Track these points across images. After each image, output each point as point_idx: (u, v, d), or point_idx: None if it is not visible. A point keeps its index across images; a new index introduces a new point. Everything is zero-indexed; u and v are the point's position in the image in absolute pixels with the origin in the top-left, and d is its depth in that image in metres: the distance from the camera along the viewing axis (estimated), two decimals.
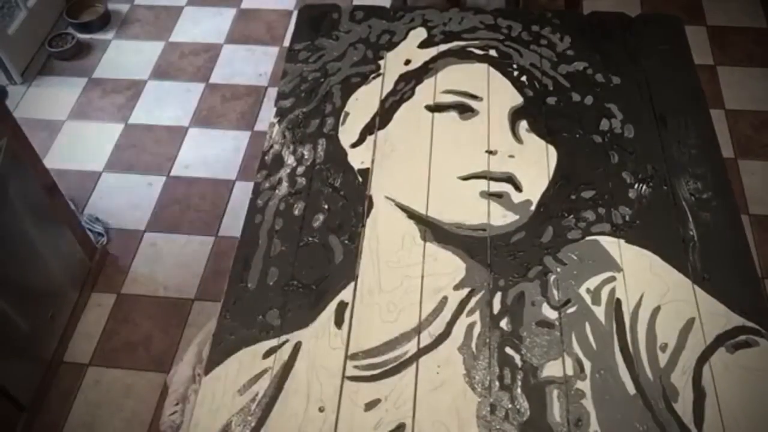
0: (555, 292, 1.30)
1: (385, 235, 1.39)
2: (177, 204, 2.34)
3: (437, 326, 1.26)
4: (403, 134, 1.56)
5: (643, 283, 1.30)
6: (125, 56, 2.84)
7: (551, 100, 1.60)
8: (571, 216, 1.41)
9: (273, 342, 1.25)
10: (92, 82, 2.74)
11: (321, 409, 1.17)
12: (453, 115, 1.58)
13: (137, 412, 1.88)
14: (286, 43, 2.78)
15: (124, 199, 2.36)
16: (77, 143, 2.53)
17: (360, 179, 1.48)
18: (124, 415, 1.88)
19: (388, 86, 1.64)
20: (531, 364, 1.22)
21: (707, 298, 1.28)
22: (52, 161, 2.41)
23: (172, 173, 2.43)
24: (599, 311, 1.27)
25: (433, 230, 1.39)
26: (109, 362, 1.98)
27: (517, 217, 1.41)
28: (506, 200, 1.43)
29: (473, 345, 1.24)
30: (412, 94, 1.63)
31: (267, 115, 2.53)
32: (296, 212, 1.44)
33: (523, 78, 1.64)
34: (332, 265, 1.35)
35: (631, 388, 1.18)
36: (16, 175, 1.73)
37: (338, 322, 1.27)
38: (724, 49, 2.78)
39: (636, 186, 1.46)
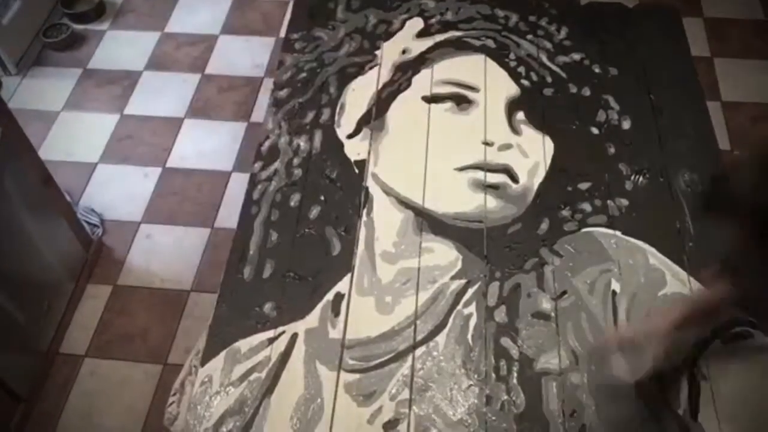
0: (551, 283, 1.30)
1: (382, 227, 1.39)
2: (173, 195, 2.33)
3: (433, 317, 1.26)
4: (400, 125, 1.55)
5: (638, 275, 1.31)
6: (120, 47, 2.82)
7: (548, 92, 1.60)
8: (568, 207, 1.41)
9: (269, 333, 1.25)
10: (87, 72, 2.72)
11: (317, 400, 1.17)
12: (450, 105, 1.58)
13: (134, 402, 1.88)
14: (283, 33, 2.77)
15: (119, 191, 2.35)
16: (72, 134, 2.51)
17: (356, 170, 1.48)
18: (120, 405, 1.88)
19: (385, 76, 1.64)
20: (527, 355, 1.22)
21: (702, 289, 1.28)
22: (47, 152, 2.40)
23: (168, 164, 2.42)
24: (595, 303, 1.27)
25: (429, 222, 1.39)
26: (105, 353, 1.97)
27: (514, 208, 1.41)
28: (503, 191, 1.43)
29: (469, 336, 1.24)
30: (409, 84, 1.62)
31: (263, 106, 2.51)
32: (292, 203, 1.43)
33: (520, 69, 1.64)
34: (329, 257, 1.35)
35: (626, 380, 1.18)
36: (11, 167, 1.72)
37: (335, 314, 1.27)
38: (721, 41, 2.77)
39: (632, 178, 1.46)
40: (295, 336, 1.25)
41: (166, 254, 2.18)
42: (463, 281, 1.31)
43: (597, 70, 1.64)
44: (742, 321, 1.24)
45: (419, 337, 1.24)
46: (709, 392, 1.16)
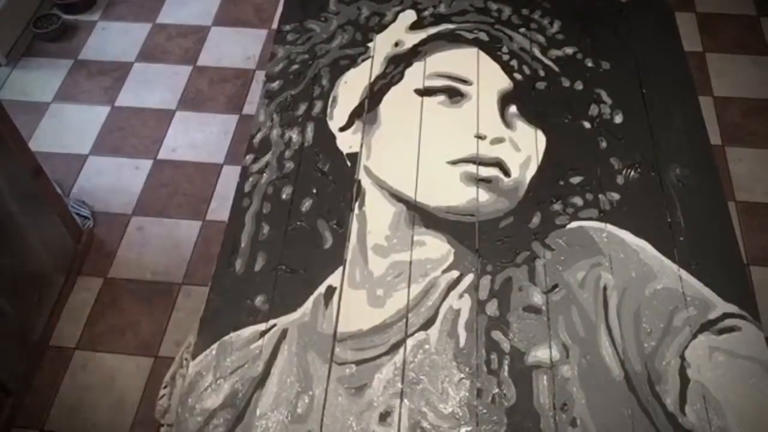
0: (542, 277, 1.30)
1: (374, 220, 1.39)
2: (164, 188, 2.33)
3: (425, 311, 1.26)
4: (392, 118, 1.55)
5: (629, 269, 1.31)
6: (111, 38, 2.80)
7: (541, 85, 1.60)
8: (559, 201, 1.41)
9: (261, 326, 1.25)
10: (78, 63, 2.71)
11: (309, 394, 1.17)
12: (442, 99, 1.58)
13: (125, 395, 1.88)
14: (275, 25, 2.76)
15: (110, 183, 2.34)
16: (63, 126, 2.50)
17: (349, 163, 1.48)
18: (111, 398, 1.88)
19: (377, 69, 1.63)
20: (518, 349, 1.22)
21: (693, 284, 1.29)
22: (37, 144, 2.39)
23: (159, 156, 2.41)
24: (586, 297, 1.28)
25: (421, 215, 1.39)
26: (95, 346, 1.97)
27: (506, 202, 1.41)
28: (495, 185, 1.43)
29: (460, 330, 1.24)
30: (402, 77, 1.62)
31: (255, 98, 2.51)
32: (284, 196, 1.43)
33: (513, 62, 1.64)
34: (320, 250, 1.35)
35: (616, 374, 1.19)
36: (1, 158, 1.71)
37: (326, 307, 1.27)
38: (713, 36, 2.78)
39: (624, 172, 1.46)
40: (286, 329, 1.25)
41: (157, 247, 2.18)
42: (455, 274, 1.31)
43: (590, 64, 1.64)
44: (732, 315, 1.25)
45: (411, 331, 1.24)
46: (699, 386, 1.17)
